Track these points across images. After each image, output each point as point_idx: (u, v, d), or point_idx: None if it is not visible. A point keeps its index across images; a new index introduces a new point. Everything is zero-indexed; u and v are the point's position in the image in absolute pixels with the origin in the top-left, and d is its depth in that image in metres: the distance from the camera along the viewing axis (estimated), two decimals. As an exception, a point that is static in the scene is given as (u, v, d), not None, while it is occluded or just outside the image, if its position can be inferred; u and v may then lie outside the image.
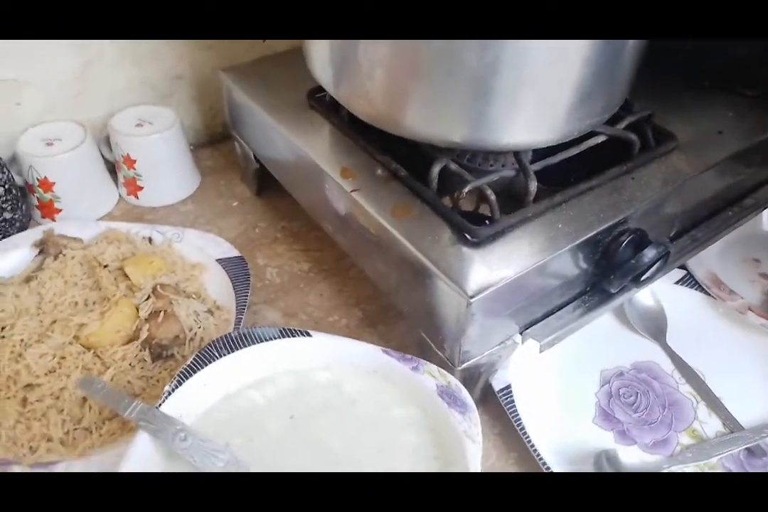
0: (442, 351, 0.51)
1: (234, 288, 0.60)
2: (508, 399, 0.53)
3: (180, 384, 0.47)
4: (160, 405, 0.45)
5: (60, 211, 0.69)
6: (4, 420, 0.48)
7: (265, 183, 0.75)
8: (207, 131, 0.83)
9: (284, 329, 0.52)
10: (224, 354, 0.49)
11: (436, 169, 0.52)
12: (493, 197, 0.50)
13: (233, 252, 0.64)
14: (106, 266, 0.58)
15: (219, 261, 0.63)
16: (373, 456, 0.45)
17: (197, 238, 0.65)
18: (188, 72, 0.78)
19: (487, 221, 0.50)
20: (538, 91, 0.47)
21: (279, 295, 0.64)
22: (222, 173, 0.79)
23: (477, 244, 0.49)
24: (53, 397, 0.49)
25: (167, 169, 0.72)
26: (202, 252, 0.64)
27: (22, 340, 0.51)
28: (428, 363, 0.49)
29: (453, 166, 0.53)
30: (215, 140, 0.83)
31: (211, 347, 0.50)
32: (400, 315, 0.61)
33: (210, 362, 0.48)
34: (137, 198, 0.73)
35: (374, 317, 0.62)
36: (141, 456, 0.43)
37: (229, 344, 0.50)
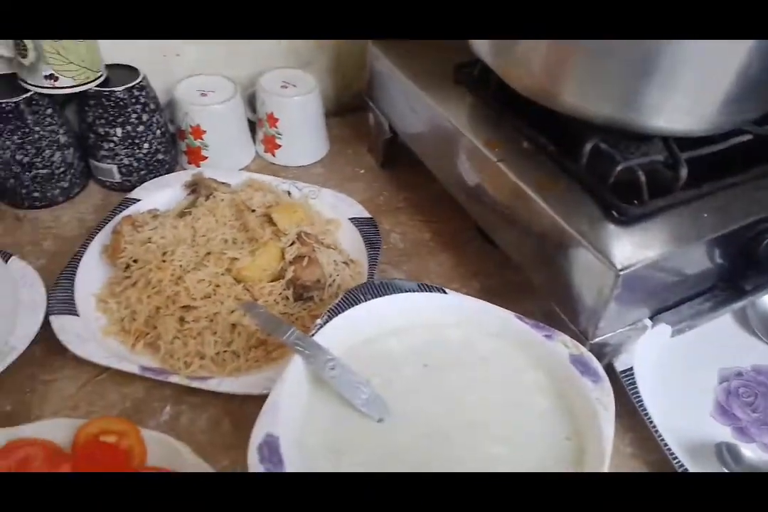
0: (575, 325, 0.52)
1: (366, 246, 0.64)
2: (630, 381, 0.54)
3: (329, 319, 0.50)
4: (312, 335, 0.49)
5: (206, 158, 0.74)
6: (164, 334, 0.53)
7: (391, 155, 0.78)
8: (337, 101, 0.88)
9: (422, 284, 0.55)
10: (368, 299, 0.53)
11: (588, 146, 0.54)
12: (643, 178, 0.52)
13: (365, 213, 0.68)
14: (253, 210, 0.63)
15: (351, 219, 0.67)
16: (503, 413, 0.48)
17: (331, 197, 0.69)
18: (329, 42, 0.82)
19: (635, 202, 0.52)
20: (699, 79, 0.48)
21: (402, 259, 0.67)
22: (349, 143, 0.82)
23: (625, 223, 0.50)
24: (208, 320, 0.53)
25: (305, 131, 0.77)
26: (335, 210, 0.68)
27: (181, 266, 0.56)
28: (561, 333, 0.52)
29: (603, 146, 0.55)
30: (343, 110, 0.87)
31: (357, 291, 0.53)
32: (519, 291, 0.62)
33: (354, 304, 0.52)
34: (274, 156, 0.77)
35: (493, 290, 0.64)
36: (294, 378, 0.46)
37: (372, 290, 0.53)
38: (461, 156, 0.61)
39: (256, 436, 0.42)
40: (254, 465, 0.40)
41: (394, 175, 0.78)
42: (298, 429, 0.44)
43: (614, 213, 0.51)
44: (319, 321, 0.50)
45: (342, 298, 0.52)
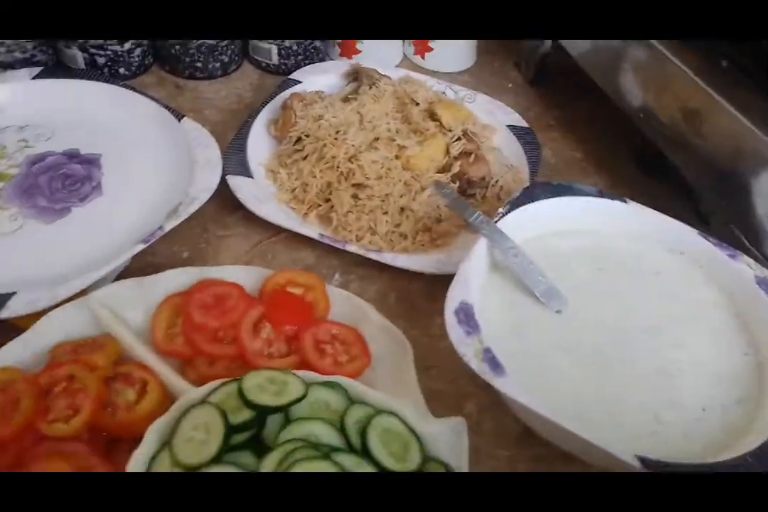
0: (759, 249, 0.51)
1: (525, 153, 0.63)
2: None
3: (510, 211, 0.51)
4: (496, 221, 0.49)
5: (359, 52, 0.73)
6: (339, 207, 0.53)
7: (543, 71, 0.76)
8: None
9: (602, 191, 0.54)
10: (546, 198, 0.53)
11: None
12: None
13: (522, 122, 0.66)
14: (417, 104, 0.62)
15: (509, 127, 0.66)
16: (679, 324, 0.48)
17: (488, 103, 0.68)
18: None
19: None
20: None
21: (554, 174, 0.66)
22: (495, 55, 0.80)
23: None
24: (380, 199, 0.54)
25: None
26: (492, 115, 0.67)
27: (353, 145, 0.56)
28: (744, 254, 0.51)
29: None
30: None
31: (536, 188, 0.53)
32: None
33: (532, 201, 0.52)
34: (423, 58, 0.76)
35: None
36: (478, 259, 0.47)
37: (551, 190, 0.53)
38: (647, 70, 0.59)
39: (452, 301, 0.43)
40: (453, 325, 0.41)
41: (542, 92, 0.76)
42: (477, 305, 0.45)
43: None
44: (501, 210, 0.50)
45: (522, 192, 0.52)
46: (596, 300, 0.48)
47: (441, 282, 0.52)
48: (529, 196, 0.52)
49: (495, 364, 0.40)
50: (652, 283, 0.50)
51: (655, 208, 0.55)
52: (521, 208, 0.51)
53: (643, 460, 0.37)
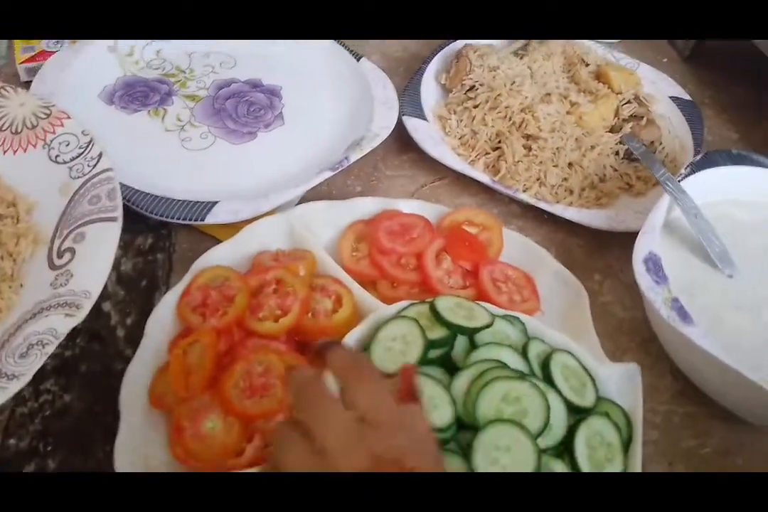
0: None
1: (688, 125, 0.62)
2: None
3: (692, 173, 0.50)
4: (679, 180, 0.49)
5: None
6: (510, 155, 0.54)
7: (698, 50, 0.74)
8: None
9: (779, 165, 0.53)
10: (726, 164, 0.52)
11: None
12: None
13: (685, 95, 0.65)
14: (588, 65, 0.62)
15: (672, 98, 0.65)
16: None
17: (651, 72, 0.66)
18: None
19: None
20: None
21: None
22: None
23: None
24: (551, 152, 0.54)
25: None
26: (655, 86, 0.65)
27: (527, 97, 0.56)
28: None
29: None
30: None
31: (716, 154, 0.52)
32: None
33: (712, 167, 0.51)
34: (580, 24, 0.75)
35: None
36: (660, 213, 0.47)
37: (731, 158, 0.52)
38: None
39: (641, 250, 0.43)
40: (641, 273, 0.42)
41: (697, 70, 0.74)
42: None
43: None
44: (683, 170, 0.50)
45: (702, 157, 0.51)
46: (767, 271, 0.48)
47: (600, 239, 0.53)
48: (708, 161, 0.51)
49: (684, 314, 0.40)
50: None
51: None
52: (701, 172, 0.51)
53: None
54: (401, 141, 0.56)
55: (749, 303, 0.45)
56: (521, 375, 0.37)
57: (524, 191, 0.54)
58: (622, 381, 0.41)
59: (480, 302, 0.42)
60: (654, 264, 0.42)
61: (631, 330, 0.49)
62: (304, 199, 0.52)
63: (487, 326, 0.40)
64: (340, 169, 0.50)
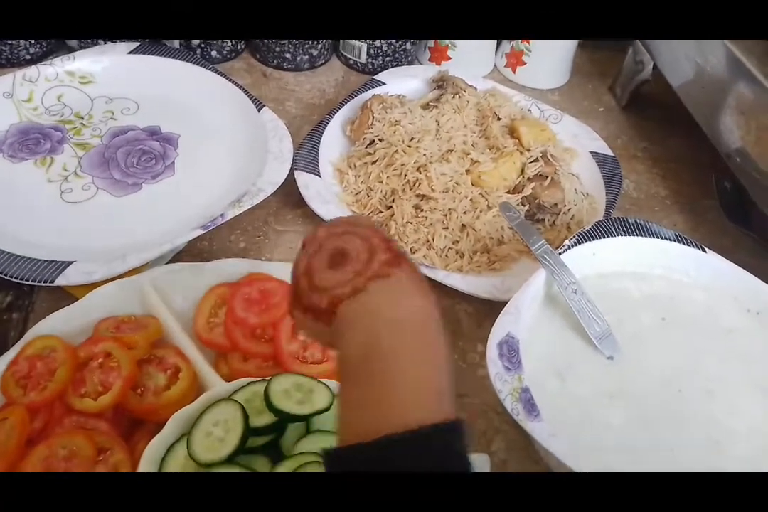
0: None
1: (605, 183, 0.59)
2: None
3: (577, 244, 0.47)
4: (560, 253, 0.46)
5: (449, 59, 0.70)
6: (399, 216, 0.51)
7: (638, 98, 0.72)
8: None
9: (680, 235, 0.50)
10: (619, 235, 0.49)
11: None
12: None
13: (607, 150, 0.62)
14: (499, 119, 0.59)
15: (592, 154, 0.62)
16: (738, 390, 0.43)
17: (574, 126, 0.64)
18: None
19: None
20: None
21: (635, 209, 0.62)
22: (591, 77, 0.76)
23: None
24: (442, 213, 0.52)
25: (556, 53, 0.71)
26: (575, 140, 0.63)
27: (425, 154, 0.54)
28: (828, 323, 0.46)
29: None
30: (590, 43, 0.80)
31: (609, 223, 0.49)
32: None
33: (603, 236, 0.49)
34: (514, 72, 0.73)
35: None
36: (535, 289, 0.44)
37: (626, 227, 0.49)
38: (751, 110, 0.54)
39: (498, 333, 0.40)
40: (493, 360, 0.39)
41: (635, 120, 0.71)
42: (524, 339, 0.42)
43: None
44: (567, 242, 0.47)
45: (594, 226, 0.49)
46: (654, 351, 0.45)
47: (490, 307, 0.50)
48: (601, 230, 0.49)
49: (531, 407, 0.37)
50: (720, 342, 0.46)
51: (735, 259, 0.50)
52: (590, 242, 0.48)
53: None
54: (297, 195, 0.54)
55: (627, 391, 0.42)
56: (340, 472, 0.35)
57: (412, 253, 0.51)
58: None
59: (329, 380, 0.40)
60: (509, 349, 0.39)
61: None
62: (181, 256, 0.50)
63: (321, 411, 0.37)
64: (212, 228, 0.48)
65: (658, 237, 0.49)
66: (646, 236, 0.49)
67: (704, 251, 0.48)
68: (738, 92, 0.55)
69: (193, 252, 0.50)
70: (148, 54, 0.62)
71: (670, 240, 0.48)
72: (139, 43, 0.63)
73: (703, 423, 0.41)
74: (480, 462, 0.38)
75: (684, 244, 0.48)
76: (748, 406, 0.42)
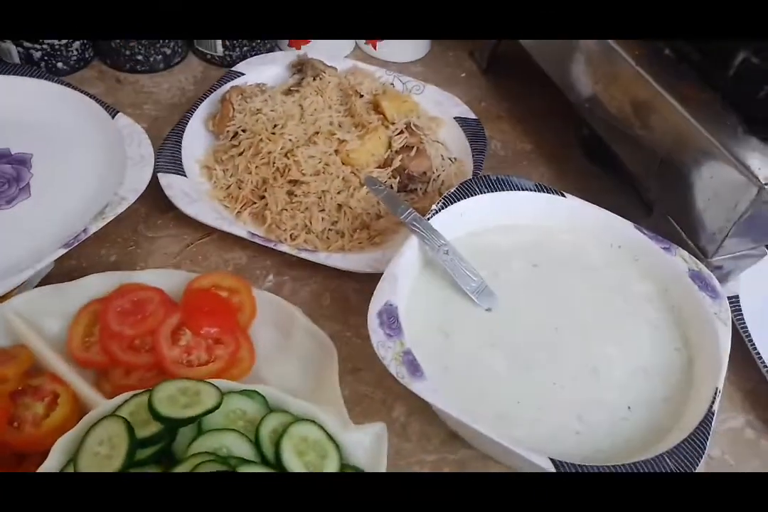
0: (695, 242, 0.49)
1: (471, 146, 0.60)
2: (736, 308, 0.51)
3: (444, 207, 0.48)
4: (428, 218, 0.47)
5: (308, 42, 0.68)
6: (273, 204, 0.50)
7: (496, 61, 0.73)
8: None
9: (540, 184, 0.51)
10: (483, 192, 0.50)
11: (739, 57, 0.48)
12: (796, 97, 0.47)
13: (470, 114, 0.63)
14: (361, 96, 0.58)
15: (456, 119, 0.63)
16: (612, 319, 0.45)
17: (436, 94, 0.64)
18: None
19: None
20: None
21: (504, 166, 0.63)
22: (450, 45, 0.76)
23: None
24: (317, 196, 0.51)
25: (411, 26, 0.71)
26: (439, 107, 0.63)
27: (290, 140, 0.53)
28: (679, 247, 0.49)
29: (755, 60, 0.49)
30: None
31: (472, 182, 0.50)
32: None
33: (469, 196, 0.49)
34: (375, 48, 0.72)
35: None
36: (409, 256, 0.44)
37: (488, 184, 0.50)
38: (594, 61, 0.56)
39: (377, 302, 0.40)
40: (374, 329, 0.39)
41: (495, 83, 0.72)
42: (405, 306, 0.43)
43: (760, 128, 0.46)
44: (434, 206, 0.47)
45: (457, 188, 0.49)
46: (529, 297, 0.46)
47: (377, 281, 0.50)
48: (465, 190, 0.49)
49: (414, 367, 0.38)
50: (588, 278, 0.48)
51: (600, 199, 0.52)
52: (457, 204, 0.48)
53: (556, 463, 0.35)
54: (165, 199, 0.51)
55: (507, 338, 0.43)
56: (232, 468, 0.34)
57: (293, 239, 0.50)
58: (370, 444, 0.38)
59: (216, 380, 0.38)
60: (389, 316, 0.39)
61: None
62: (50, 279, 0.47)
63: (209, 411, 0.36)
64: (75, 245, 0.45)
65: (519, 189, 0.50)
66: (508, 190, 0.50)
67: (564, 196, 0.50)
68: (582, 44, 0.57)
69: (62, 273, 0.47)
70: (-15, 73, 0.58)
71: (531, 190, 0.50)
72: (-28, 63, 0.58)
73: (579, 355, 0.43)
74: (378, 431, 0.38)
75: (544, 192, 0.50)
76: (619, 333, 0.44)
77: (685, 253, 0.47)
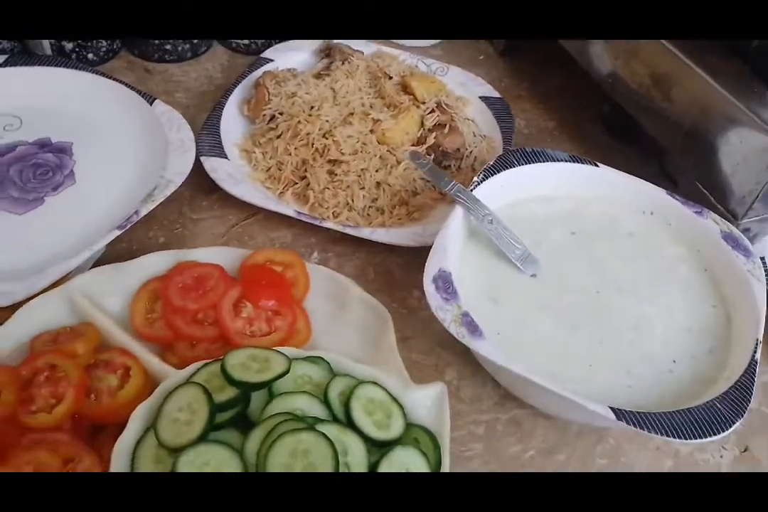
0: (724, 205, 0.50)
1: (498, 123, 0.61)
2: (766, 268, 0.52)
3: (485, 178, 0.48)
4: (471, 190, 0.47)
5: (330, 29, 0.70)
6: (315, 184, 0.51)
7: (511, 43, 0.73)
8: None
9: (573, 156, 0.52)
10: (521, 164, 0.50)
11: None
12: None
13: (495, 93, 0.64)
14: (390, 78, 0.59)
15: (482, 98, 0.63)
16: (649, 281, 0.46)
17: (460, 75, 0.65)
18: None
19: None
20: None
21: (529, 143, 0.63)
22: (466, 29, 0.77)
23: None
24: (356, 175, 0.51)
25: (429, 10, 0.71)
26: (464, 87, 0.64)
27: (327, 121, 0.53)
28: (711, 211, 0.49)
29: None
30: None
31: (510, 155, 0.51)
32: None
33: (507, 168, 0.50)
34: (394, 33, 0.73)
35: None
36: (455, 226, 0.45)
37: (525, 156, 0.50)
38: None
39: (431, 269, 0.41)
40: (432, 294, 0.40)
41: (513, 64, 0.73)
42: (455, 272, 0.43)
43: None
44: (476, 178, 0.48)
45: (496, 160, 0.50)
46: (570, 263, 0.47)
47: (418, 254, 0.49)
48: (503, 163, 0.50)
49: (473, 328, 0.39)
50: (624, 244, 0.49)
51: (625, 170, 0.52)
52: (496, 176, 0.49)
53: (615, 411, 0.36)
54: (209, 181, 0.52)
55: (552, 302, 0.44)
56: (310, 425, 0.35)
57: (336, 217, 0.51)
58: (431, 403, 0.39)
59: (282, 347, 0.39)
60: (443, 282, 0.40)
61: (452, 343, 0.45)
62: (102, 262, 0.47)
63: (281, 376, 0.37)
64: (128, 227, 0.45)
65: (555, 160, 0.51)
66: (544, 162, 0.50)
67: (597, 166, 0.51)
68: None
69: (113, 255, 0.47)
70: (20, 65, 0.57)
71: (566, 161, 0.51)
72: (7, 56, 0.58)
73: (621, 315, 0.44)
74: (438, 391, 0.39)
75: (578, 162, 0.51)
76: (659, 293, 0.45)
77: (716, 216, 0.48)
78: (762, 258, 0.53)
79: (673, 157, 0.55)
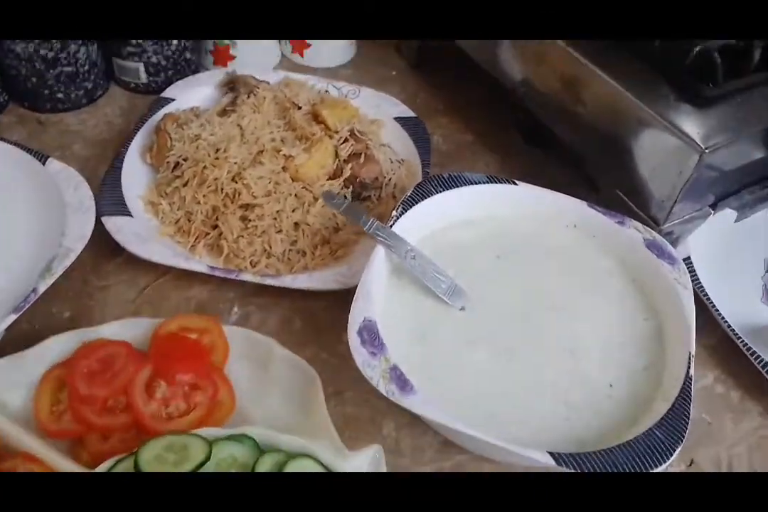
0: (645, 212, 0.48)
1: (415, 145, 0.57)
2: (690, 269, 0.50)
3: (404, 212, 0.45)
4: (390, 225, 0.44)
5: (233, 58, 0.64)
6: (228, 233, 0.46)
7: (425, 55, 0.70)
8: None
9: (491, 176, 0.49)
10: (438, 192, 0.47)
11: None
12: (719, 60, 0.46)
13: (409, 112, 0.60)
14: (300, 108, 0.55)
15: (396, 119, 0.59)
16: (580, 297, 0.44)
17: (373, 96, 0.61)
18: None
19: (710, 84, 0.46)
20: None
21: (448, 161, 0.60)
22: (375, 43, 0.72)
23: (701, 104, 0.45)
24: (272, 218, 0.47)
25: (335, 29, 0.67)
26: (379, 109, 0.60)
27: (235, 163, 0.49)
28: (632, 219, 0.47)
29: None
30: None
31: (427, 183, 0.47)
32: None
33: (425, 197, 0.47)
34: (302, 56, 0.68)
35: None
36: (378, 267, 0.42)
37: (442, 183, 0.47)
38: (521, 43, 0.53)
39: (355, 321, 0.37)
40: (357, 349, 0.36)
41: (427, 76, 0.70)
42: (381, 318, 0.40)
43: (692, 94, 0.45)
44: (394, 213, 0.45)
45: (413, 191, 0.47)
46: (497, 288, 0.44)
47: (346, 296, 0.44)
48: (421, 193, 0.46)
49: (403, 383, 0.35)
50: (550, 261, 0.47)
51: (546, 180, 0.50)
52: (415, 207, 0.46)
53: (555, 457, 0.33)
54: (113, 242, 0.46)
55: (484, 334, 0.41)
56: None
57: (254, 266, 0.47)
58: (369, 469, 0.35)
59: (201, 429, 0.35)
60: (369, 333, 0.37)
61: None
62: (4, 348, 0.40)
63: (201, 464, 0.32)
64: (26, 307, 0.40)
65: (472, 183, 0.48)
66: (462, 186, 0.47)
67: (515, 184, 0.48)
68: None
69: (16, 340, 0.41)
70: None
71: (484, 183, 0.48)
72: None
73: (556, 335, 0.41)
74: (374, 454, 0.35)
75: (497, 183, 0.48)
76: (588, 311, 0.43)
77: (638, 224, 0.46)
78: (686, 259, 0.52)
79: (591, 163, 0.53)
